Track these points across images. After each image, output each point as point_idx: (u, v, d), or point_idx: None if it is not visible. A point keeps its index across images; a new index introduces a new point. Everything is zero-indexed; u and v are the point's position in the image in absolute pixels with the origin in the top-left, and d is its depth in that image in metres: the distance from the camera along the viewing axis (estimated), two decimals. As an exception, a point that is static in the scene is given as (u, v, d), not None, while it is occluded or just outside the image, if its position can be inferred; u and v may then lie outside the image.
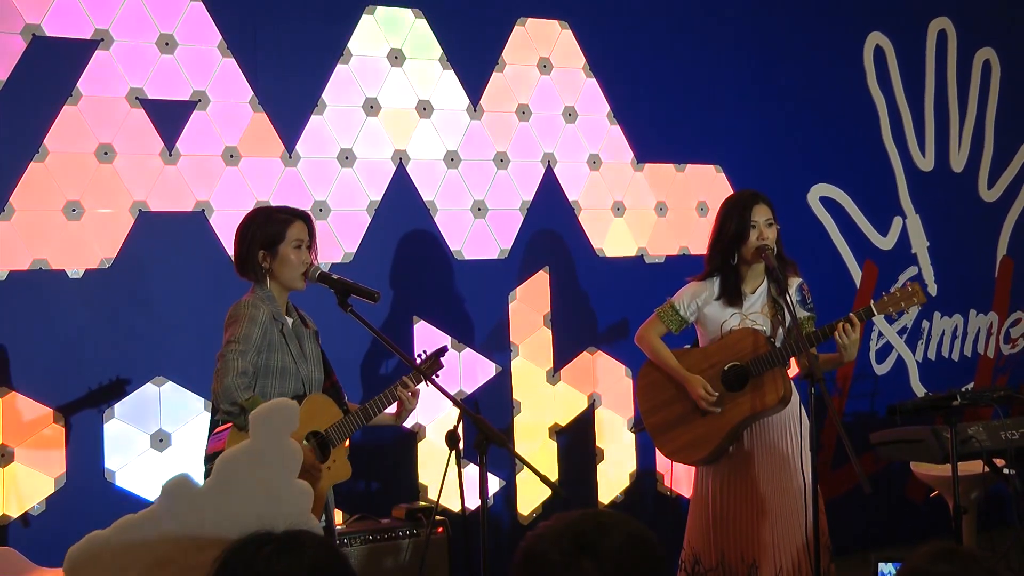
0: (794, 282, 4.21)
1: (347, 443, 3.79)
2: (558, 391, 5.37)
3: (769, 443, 4.13)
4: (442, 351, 3.99)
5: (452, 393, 3.79)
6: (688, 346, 4.50)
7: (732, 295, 4.19)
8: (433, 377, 3.75)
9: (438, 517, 4.45)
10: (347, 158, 4.95)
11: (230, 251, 4.59)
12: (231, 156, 4.72)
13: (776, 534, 4.07)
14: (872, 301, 4.12)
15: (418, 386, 3.82)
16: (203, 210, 4.66)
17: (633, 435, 5.50)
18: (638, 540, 1.75)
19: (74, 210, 4.43)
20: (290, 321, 3.73)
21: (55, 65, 4.42)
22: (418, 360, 3.91)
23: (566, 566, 1.71)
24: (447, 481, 3.80)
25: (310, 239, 3.71)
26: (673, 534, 4.37)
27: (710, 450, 4.12)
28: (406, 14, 5.12)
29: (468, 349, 5.13)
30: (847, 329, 3.97)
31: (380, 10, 5.06)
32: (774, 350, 4.07)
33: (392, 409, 3.83)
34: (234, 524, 2.30)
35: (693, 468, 4.34)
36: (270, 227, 3.68)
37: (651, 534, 1.79)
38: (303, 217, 3.75)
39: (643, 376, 4.34)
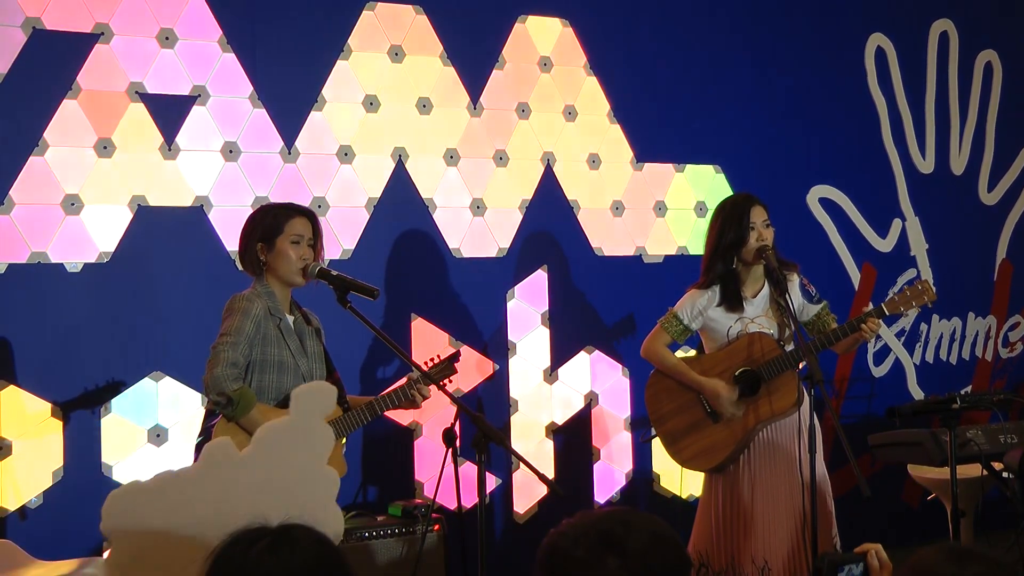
0: (793, 280, 4.21)
1: (344, 440, 3.80)
2: (555, 390, 5.36)
3: (779, 445, 4.12)
4: (455, 357, 3.99)
5: (450, 391, 3.80)
6: (693, 351, 4.50)
7: (733, 300, 4.18)
8: (442, 382, 3.78)
9: (434, 515, 4.45)
10: (346, 154, 4.95)
11: (229, 246, 4.62)
12: (230, 151, 4.72)
13: (789, 535, 4.06)
14: (883, 301, 4.13)
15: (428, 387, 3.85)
16: (202, 205, 4.66)
17: (629, 434, 5.50)
18: (664, 540, 1.75)
19: (73, 204, 4.42)
20: (291, 318, 3.74)
21: (55, 59, 4.41)
22: (431, 363, 3.93)
23: (591, 563, 1.70)
24: (443, 479, 3.81)
25: (314, 237, 3.72)
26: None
27: (725, 456, 4.12)
28: (406, 11, 5.11)
29: (466, 347, 5.12)
30: (873, 325, 4.02)
31: (380, 6, 5.06)
32: (785, 353, 4.07)
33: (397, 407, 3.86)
34: (266, 498, 2.32)
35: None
36: (268, 220, 3.70)
37: (676, 534, 1.78)
38: (305, 213, 3.76)
39: (652, 384, 4.32)
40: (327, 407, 2.57)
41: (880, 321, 4.06)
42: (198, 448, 3.66)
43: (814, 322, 4.24)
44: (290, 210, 3.75)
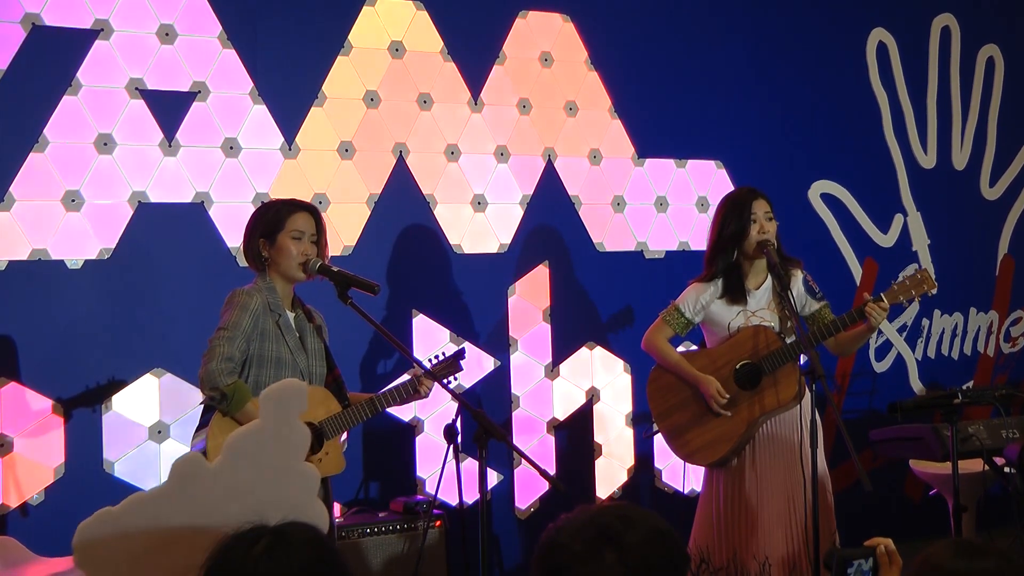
0: (797, 275, 4.21)
1: (344, 437, 3.80)
2: (557, 386, 5.36)
3: (781, 439, 4.11)
4: (460, 355, 4.00)
5: (451, 387, 3.81)
6: (695, 347, 4.49)
7: (735, 293, 4.18)
8: (444, 380, 3.79)
9: (435, 511, 4.45)
10: (347, 151, 4.94)
11: (229, 243, 4.62)
12: (231, 148, 4.71)
13: (790, 530, 4.06)
14: (883, 291, 4.11)
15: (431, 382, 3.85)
16: (202, 201, 4.65)
17: (631, 430, 5.50)
18: (662, 535, 1.75)
19: (73, 200, 4.42)
20: (291, 315, 3.74)
21: (55, 55, 4.41)
22: (435, 360, 3.94)
23: (589, 558, 1.71)
24: (445, 475, 3.81)
25: (317, 233, 3.73)
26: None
27: (728, 450, 4.11)
28: (407, 6, 5.11)
29: (467, 343, 5.12)
30: (879, 308, 3.99)
31: (381, 2, 5.05)
32: (785, 346, 4.06)
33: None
34: (243, 505, 2.31)
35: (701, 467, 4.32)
36: (271, 216, 3.70)
37: (674, 530, 1.78)
38: (308, 209, 3.77)
39: (654, 379, 4.32)
40: (298, 405, 2.55)
41: (886, 305, 4.03)
42: (194, 442, 3.67)
43: (812, 318, 4.23)
44: (292, 206, 3.76)
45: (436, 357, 3.97)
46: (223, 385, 3.47)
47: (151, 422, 4.50)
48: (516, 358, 5.27)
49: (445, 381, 3.85)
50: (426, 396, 3.88)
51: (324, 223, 3.80)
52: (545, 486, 5.19)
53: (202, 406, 3.67)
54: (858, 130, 6.21)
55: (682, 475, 5.52)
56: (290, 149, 4.83)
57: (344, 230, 4.92)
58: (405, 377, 3.94)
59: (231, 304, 3.60)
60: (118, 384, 4.45)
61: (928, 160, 6.44)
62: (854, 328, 4.11)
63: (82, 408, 4.39)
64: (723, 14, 5.85)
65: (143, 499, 2.48)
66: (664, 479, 5.58)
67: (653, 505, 5.52)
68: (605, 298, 5.50)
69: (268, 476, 2.47)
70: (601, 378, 5.46)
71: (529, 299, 5.32)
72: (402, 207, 5.05)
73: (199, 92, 4.66)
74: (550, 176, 5.39)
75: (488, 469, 3.97)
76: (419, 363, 3.80)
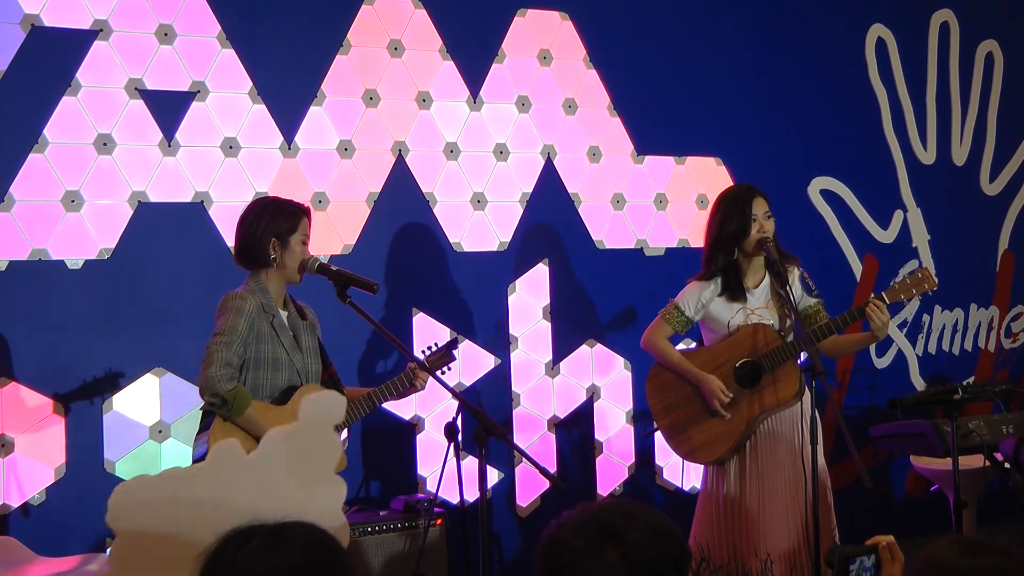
0: (794, 272, 4.21)
1: (345, 435, 3.80)
2: (557, 383, 5.36)
3: (780, 436, 4.11)
4: (453, 344, 4.01)
5: (451, 385, 3.81)
6: (694, 344, 4.49)
7: (735, 291, 4.18)
8: (439, 371, 3.80)
9: (436, 509, 4.45)
10: (346, 149, 4.94)
11: (229, 242, 4.61)
12: (230, 147, 4.71)
13: (791, 527, 4.06)
14: (883, 290, 4.11)
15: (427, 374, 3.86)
16: (202, 201, 4.66)
17: (631, 428, 5.50)
18: (664, 532, 1.75)
19: (73, 200, 4.42)
20: (285, 314, 3.75)
21: (54, 55, 4.41)
22: (428, 351, 3.94)
23: (591, 554, 1.71)
24: (446, 473, 3.82)
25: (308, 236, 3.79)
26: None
27: (727, 448, 4.11)
28: (406, 4, 5.11)
29: (467, 341, 5.12)
30: (879, 308, 3.97)
31: (379, 0, 5.05)
32: (785, 344, 4.06)
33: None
34: (273, 499, 2.32)
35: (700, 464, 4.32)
36: (283, 219, 3.74)
37: (677, 527, 1.78)
38: (308, 214, 3.80)
39: (653, 377, 4.32)
40: (336, 417, 2.57)
41: (884, 306, 4.02)
42: (196, 446, 3.67)
43: (804, 315, 4.21)
44: (300, 209, 3.79)
45: (429, 348, 3.98)
46: (223, 391, 3.48)
47: (152, 422, 4.50)
48: (516, 356, 5.28)
49: (441, 371, 3.88)
50: (422, 388, 3.89)
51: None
52: (546, 484, 5.19)
53: (202, 410, 3.68)
54: (858, 126, 6.21)
55: (682, 473, 5.53)
56: (289, 148, 4.83)
57: (344, 229, 4.92)
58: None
59: (225, 309, 3.62)
60: (119, 384, 4.45)
61: (928, 156, 6.44)
62: (854, 329, 4.11)
63: (83, 408, 4.39)
64: (722, 11, 5.85)
65: (180, 475, 2.51)
66: (665, 476, 5.58)
67: (654, 503, 5.52)
68: (605, 296, 5.50)
69: (298, 478, 2.49)
70: (601, 375, 5.47)
71: (529, 297, 5.32)
72: (402, 206, 5.06)
73: (198, 92, 4.66)
74: (549, 174, 5.39)
75: (488, 467, 3.98)
76: (417, 360, 3.81)
